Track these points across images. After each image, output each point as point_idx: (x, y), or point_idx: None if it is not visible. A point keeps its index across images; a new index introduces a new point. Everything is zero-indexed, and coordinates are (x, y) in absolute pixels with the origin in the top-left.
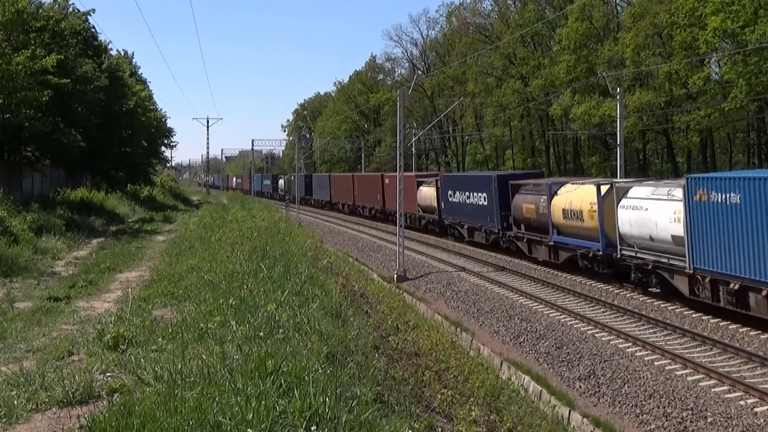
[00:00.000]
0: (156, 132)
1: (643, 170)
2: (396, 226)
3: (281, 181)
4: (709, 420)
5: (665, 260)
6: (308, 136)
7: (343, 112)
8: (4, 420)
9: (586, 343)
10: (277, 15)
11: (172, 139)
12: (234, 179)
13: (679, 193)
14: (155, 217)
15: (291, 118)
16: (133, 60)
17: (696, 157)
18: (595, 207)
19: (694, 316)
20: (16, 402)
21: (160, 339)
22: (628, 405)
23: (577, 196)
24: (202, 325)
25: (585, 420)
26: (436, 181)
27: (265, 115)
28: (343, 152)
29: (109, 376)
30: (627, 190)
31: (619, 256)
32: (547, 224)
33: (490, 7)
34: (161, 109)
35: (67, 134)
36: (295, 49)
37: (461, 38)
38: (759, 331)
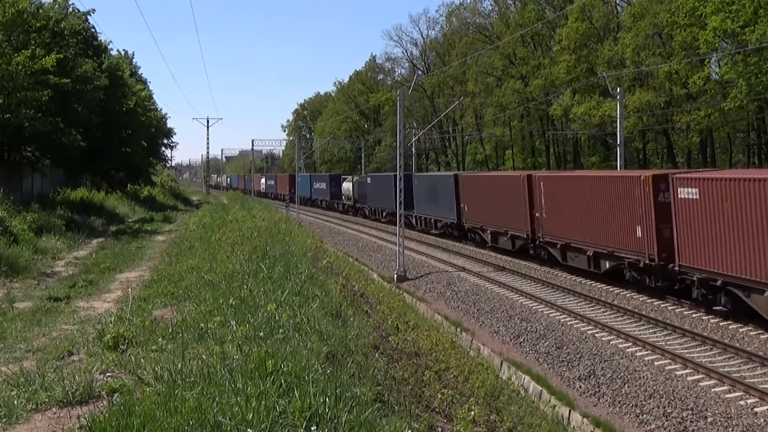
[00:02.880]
0: (156, 132)
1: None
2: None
3: (346, 185)
4: (709, 420)
5: None
6: (308, 136)
7: (343, 112)
8: (4, 420)
9: (586, 343)
10: (277, 15)
11: (172, 139)
12: (262, 181)
13: None
14: (155, 217)
15: (291, 118)
16: (133, 60)
17: (696, 157)
18: None
19: (694, 316)
20: (16, 402)
21: (160, 339)
22: (628, 405)
23: None
24: (202, 325)
25: (585, 420)
26: None
27: (265, 115)
28: (343, 152)
29: (109, 376)
30: None
31: None
32: None
33: (490, 7)
34: (161, 109)
35: (67, 134)
36: (295, 49)
37: (461, 38)
38: (759, 331)
